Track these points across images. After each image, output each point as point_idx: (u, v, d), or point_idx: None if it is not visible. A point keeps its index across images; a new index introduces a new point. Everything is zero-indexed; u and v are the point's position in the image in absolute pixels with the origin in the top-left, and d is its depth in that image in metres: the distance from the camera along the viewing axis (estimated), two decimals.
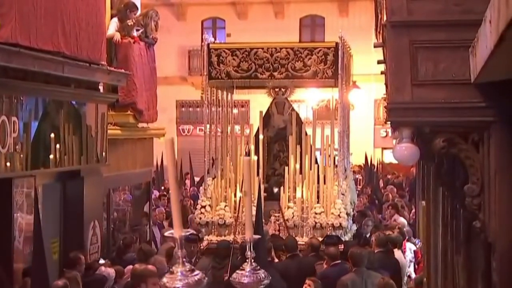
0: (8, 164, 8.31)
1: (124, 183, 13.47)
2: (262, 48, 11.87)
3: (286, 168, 11.75)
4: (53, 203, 10.23)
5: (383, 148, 27.64)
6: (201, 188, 12.09)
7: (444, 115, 4.70)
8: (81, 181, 10.69)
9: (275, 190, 11.95)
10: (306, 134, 12.19)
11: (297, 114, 12.68)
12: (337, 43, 11.70)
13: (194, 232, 11.11)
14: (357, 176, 19.68)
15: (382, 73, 10.17)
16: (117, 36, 12.14)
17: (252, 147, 12.04)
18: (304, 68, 11.66)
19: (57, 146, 9.53)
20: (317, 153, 12.72)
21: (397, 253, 10.65)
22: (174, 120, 28.87)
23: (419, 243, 11.95)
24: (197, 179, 19.72)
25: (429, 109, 4.73)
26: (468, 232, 5.42)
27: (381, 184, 21.35)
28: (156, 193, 17.42)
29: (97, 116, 10.79)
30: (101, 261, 10.14)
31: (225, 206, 11.64)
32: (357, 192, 15.70)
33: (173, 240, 9.38)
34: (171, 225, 11.63)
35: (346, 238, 11.48)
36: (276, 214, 11.60)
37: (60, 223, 10.48)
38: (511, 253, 4.41)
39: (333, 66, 11.56)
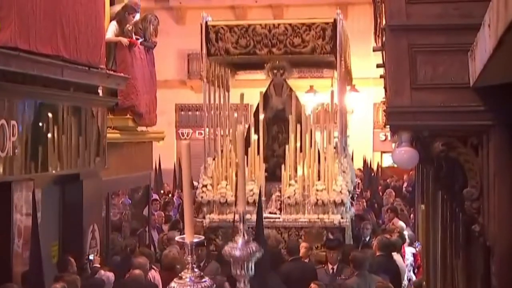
0: (7, 167, 8.30)
1: (123, 187, 13.46)
2: (260, 25, 11.85)
3: (286, 147, 11.71)
4: (52, 207, 10.22)
5: (382, 152, 27.61)
6: (201, 167, 12.06)
7: (443, 119, 4.71)
8: (80, 184, 10.68)
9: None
10: (305, 114, 12.11)
11: (296, 95, 12.63)
12: (335, 19, 11.68)
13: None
14: (356, 180, 19.65)
15: (381, 76, 10.19)
16: (125, 41, 12.13)
17: (252, 129, 11.98)
18: (302, 43, 11.60)
19: (56, 149, 9.52)
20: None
21: (396, 256, 10.64)
22: (173, 123, 28.84)
23: (418, 246, 11.95)
24: (195, 183, 19.60)
25: (428, 113, 4.74)
26: (467, 235, 5.43)
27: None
28: (155, 196, 17.39)
29: (96, 119, 10.79)
30: (91, 257, 10.15)
31: (226, 185, 11.61)
32: (356, 195, 15.67)
33: (179, 245, 9.20)
34: (171, 229, 11.61)
35: (348, 216, 11.41)
36: (277, 194, 11.57)
37: (59, 226, 10.47)
38: (510, 257, 4.41)
39: (332, 42, 11.51)
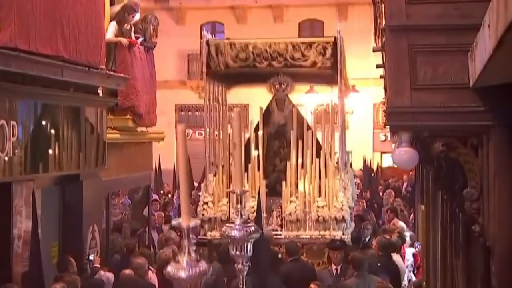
0: (7, 168, 8.31)
1: (123, 187, 13.46)
2: (261, 42, 11.89)
3: (287, 164, 11.72)
4: (52, 207, 10.22)
5: (382, 152, 27.62)
6: (202, 184, 12.02)
7: (443, 119, 4.70)
8: (80, 185, 10.68)
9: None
10: (308, 129, 12.10)
11: (298, 110, 12.65)
12: (335, 38, 11.73)
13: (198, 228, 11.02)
14: (356, 180, 19.68)
15: (381, 77, 10.18)
16: (125, 41, 12.14)
17: (252, 145, 11.97)
18: (303, 57, 11.65)
19: (56, 150, 9.52)
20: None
21: (396, 257, 10.64)
22: (173, 124, 28.80)
23: (418, 246, 11.95)
24: (195, 184, 19.61)
25: (428, 113, 4.74)
26: (467, 235, 5.43)
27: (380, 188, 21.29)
28: (155, 197, 17.40)
29: (96, 120, 10.79)
30: (91, 257, 10.16)
31: (227, 202, 11.60)
32: (356, 196, 15.68)
33: (174, 243, 9.18)
34: (170, 229, 11.47)
35: (349, 231, 11.43)
36: (278, 209, 11.58)
37: (59, 227, 10.47)
38: (510, 257, 4.40)
39: (332, 58, 11.56)
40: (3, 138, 8.13)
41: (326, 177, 11.49)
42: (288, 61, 11.68)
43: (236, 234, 3.22)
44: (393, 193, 18.62)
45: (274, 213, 11.58)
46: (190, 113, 29.40)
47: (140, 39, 12.78)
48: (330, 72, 11.69)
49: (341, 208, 11.30)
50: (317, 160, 11.62)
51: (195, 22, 29.11)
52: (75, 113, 10.20)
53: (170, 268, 2.89)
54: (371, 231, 12.46)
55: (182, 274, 2.86)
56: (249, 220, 3.25)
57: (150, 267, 9.95)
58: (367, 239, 12.20)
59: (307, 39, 12.47)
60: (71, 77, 9.69)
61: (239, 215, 3.23)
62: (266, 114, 12.53)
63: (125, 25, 12.41)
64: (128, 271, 9.09)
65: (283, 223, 11.40)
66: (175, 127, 29.00)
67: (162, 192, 20.30)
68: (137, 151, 13.47)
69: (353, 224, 12.47)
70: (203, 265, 2.90)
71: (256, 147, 11.87)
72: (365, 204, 16.90)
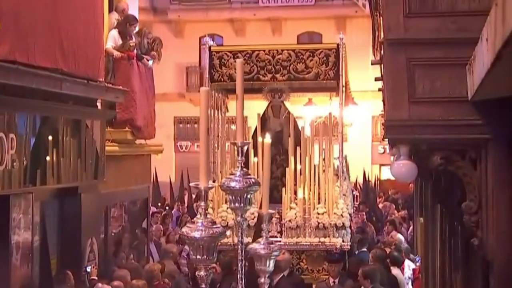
0: (5, 181, 8.30)
1: (122, 200, 13.43)
2: (264, 50, 11.91)
3: (284, 170, 11.71)
4: (51, 220, 10.20)
5: (381, 165, 27.62)
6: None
7: (441, 133, 4.71)
8: (79, 197, 10.67)
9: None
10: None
11: (294, 118, 12.67)
12: (338, 44, 11.75)
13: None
14: (354, 193, 19.64)
15: (379, 90, 10.21)
16: (116, 53, 12.15)
17: (251, 151, 11.98)
18: (306, 70, 11.71)
19: (55, 162, 9.51)
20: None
21: (396, 271, 10.62)
22: (171, 136, 28.85)
23: (419, 261, 11.93)
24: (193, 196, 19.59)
25: (426, 127, 4.74)
26: (466, 249, 5.42)
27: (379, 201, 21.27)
28: (154, 209, 17.39)
29: (95, 132, 10.79)
30: (88, 269, 10.14)
31: (227, 208, 11.56)
32: (354, 209, 15.65)
33: (172, 258, 9.18)
34: (168, 242, 11.44)
35: (348, 238, 11.42)
36: (277, 216, 11.57)
37: (58, 240, 10.45)
38: (509, 271, 4.40)
39: (335, 68, 11.60)
40: (1, 151, 8.12)
41: (325, 183, 11.48)
42: (292, 73, 11.74)
43: (236, 185, 3.24)
44: (393, 206, 18.62)
45: (273, 219, 11.56)
46: (188, 125, 29.39)
47: (151, 61, 12.94)
48: (333, 83, 11.73)
49: (341, 215, 11.28)
50: (316, 166, 11.63)
51: (193, 35, 29.15)
52: (74, 126, 10.20)
53: (185, 229, 2.97)
54: (361, 244, 12.48)
55: (196, 234, 2.95)
56: (249, 174, 3.29)
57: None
58: (356, 252, 12.20)
59: (309, 46, 12.46)
60: (70, 90, 9.69)
61: (240, 167, 3.27)
62: (262, 121, 12.53)
63: (130, 41, 12.44)
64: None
65: (283, 229, 11.37)
66: (174, 139, 29.08)
67: (159, 204, 20.29)
68: (136, 164, 13.45)
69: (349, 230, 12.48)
70: (218, 227, 2.97)
71: (255, 154, 11.87)
72: (364, 216, 16.90)
